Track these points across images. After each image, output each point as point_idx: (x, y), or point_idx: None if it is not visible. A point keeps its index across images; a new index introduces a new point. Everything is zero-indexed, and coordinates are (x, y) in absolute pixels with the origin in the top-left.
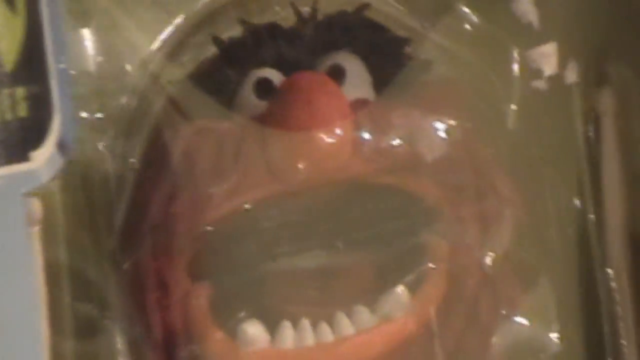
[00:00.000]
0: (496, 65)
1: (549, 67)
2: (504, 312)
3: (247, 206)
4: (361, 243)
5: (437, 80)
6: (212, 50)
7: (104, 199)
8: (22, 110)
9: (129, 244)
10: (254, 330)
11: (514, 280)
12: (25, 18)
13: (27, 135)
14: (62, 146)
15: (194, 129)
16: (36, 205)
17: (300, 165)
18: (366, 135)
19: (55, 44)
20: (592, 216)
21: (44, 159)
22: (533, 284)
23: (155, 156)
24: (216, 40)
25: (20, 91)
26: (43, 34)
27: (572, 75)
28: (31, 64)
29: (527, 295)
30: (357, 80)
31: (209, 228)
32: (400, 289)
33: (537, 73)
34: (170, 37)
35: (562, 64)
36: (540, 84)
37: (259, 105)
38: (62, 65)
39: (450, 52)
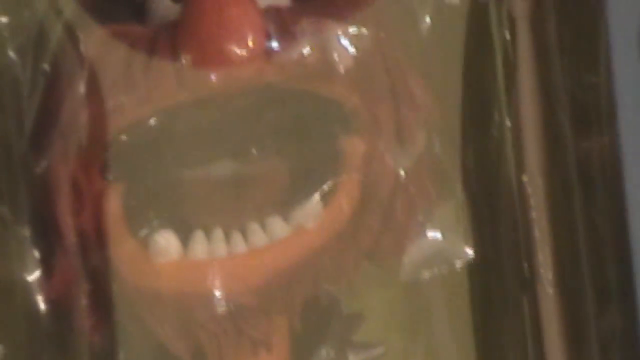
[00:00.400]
0: None
1: None
2: (419, 217)
3: (152, 120)
4: (275, 150)
5: None
6: None
7: (14, 104)
8: None
9: (41, 148)
10: (166, 240)
11: (429, 185)
12: None
13: None
14: None
15: (105, 33)
16: None
17: (210, 76)
18: (279, 44)
19: None
20: (508, 122)
21: None
22: (448, 191)
23: (67, 61)
24: None
25: None
26: None
27: None
28: None
29: (442, 202)
30: None
31: (121, 135)
32: (313, 198)
33: None
34: None
35: None
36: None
37: (173, 8)
38: None
39: None
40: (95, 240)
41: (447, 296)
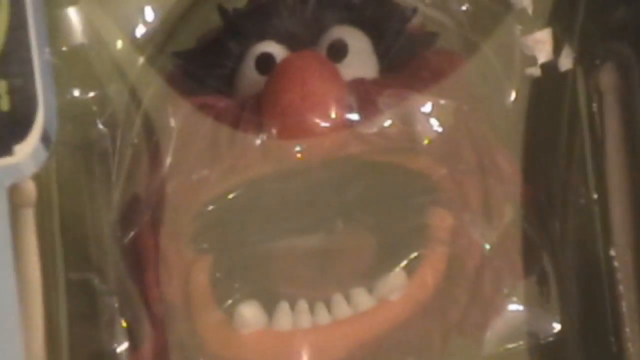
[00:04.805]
0: (498, 45)
1: (544, 54)
2: (505, 291)
3: (237, 192)
4: (361, 223)
5: (440, 55)
6: (215, 23)
7: (103, 176)
8: (5, 104)
9: (129, 219)
10: (251, 311)
11: (515, 258)
12: (8, 9)
13: (11, 129)
14: (45, 139)
15: (192, 106)
16: (30, 187)
17: (294, 148)
18: (361, 116)
19: (38, 35)
20: (595, 195)
21: (27, 152)
22: (534, 264)
23: (154, 133)
24: (221, 11)
25: (2, 85)
26: (27, 26)
27: (566, 62)
28: (14, 56)
29: (528, 275)
30: (359, 57)
31: (208, 207)
32: (398, 270)
33: (532, 60)
34: (171, 9)
35: (557, 50)
36: (534, 71)
37: (260, 80)
38: (45, 57)
39: (453, 30)
40: (181, 311)
41: None
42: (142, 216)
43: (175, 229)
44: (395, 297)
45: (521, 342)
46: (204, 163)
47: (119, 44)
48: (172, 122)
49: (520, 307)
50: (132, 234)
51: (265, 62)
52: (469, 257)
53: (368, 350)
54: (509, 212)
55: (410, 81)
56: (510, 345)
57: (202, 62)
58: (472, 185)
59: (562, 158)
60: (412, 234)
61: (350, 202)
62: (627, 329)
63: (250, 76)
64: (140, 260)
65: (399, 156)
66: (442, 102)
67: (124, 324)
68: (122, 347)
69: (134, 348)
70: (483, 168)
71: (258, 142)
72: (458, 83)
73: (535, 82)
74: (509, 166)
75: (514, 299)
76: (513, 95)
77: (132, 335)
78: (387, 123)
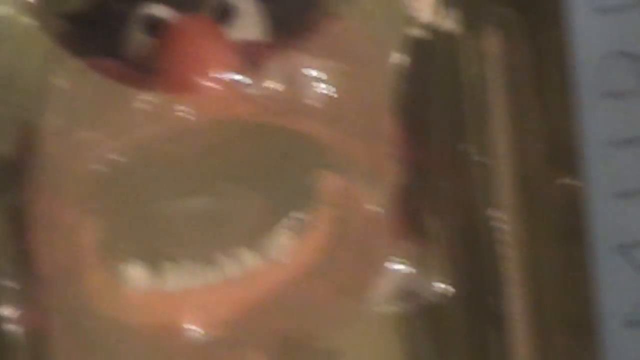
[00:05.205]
0: (382, 6)
1: (428, 15)
2: (392, 252)
3: (125, 153)
4: (249, 185)
5: (325, 16)
6: None
7: None
8: None
9: (12, 180)
10: (138, 272)
11: (402, 220)
12: None
13: None
14: None
15: (80, 66)
16: None
17: (181, 109)
18: (249, 78)
19: None
20: (480, 158)
21: None
22: (421, 225)
23: (38, 93)
24: None
25: None
26: None
27: (450, 24)
28: None
29: (415, 237)
30: (246, 19)
31: (94, 168)
32: (285, 231)
33: (415, 20)
34: None
35: (442, 11)
36: (418, 32)
37: (147, 42)
38: None
39: None
40: (67, 273)
41: (419, 329)
42: (21, 176)
43: (59, 189)
44: (283, 258)
45: (405, 303)
46: (91, 123)
47: (5, 7)
48: (58, 82)
49: (405, 268)
50: (16, 196)
51: (152, 24)
52: (355, 218)
53: (256, 311)
54: (395, 175)
55: (297, 43)
56: (394, 306)
57: (90, 23)
58: (359, 147)
59: (447, 121)
60: (299, 196)
61: (238, 164)
62: (511, 291)
63: (137, 38)
64: (25, 223)
65: (286, 118)
66: (328, 64)
67: (8, 285)
68: (6, 309)
69: (18, 310)
70: (369, 131)
71: (145, 103)
72: (343, 45)
73: (420, 44)
74: (394, 129)
75: (399, 259)
76: (397, 57)
77: (16, 297)
78: (275, 85)
